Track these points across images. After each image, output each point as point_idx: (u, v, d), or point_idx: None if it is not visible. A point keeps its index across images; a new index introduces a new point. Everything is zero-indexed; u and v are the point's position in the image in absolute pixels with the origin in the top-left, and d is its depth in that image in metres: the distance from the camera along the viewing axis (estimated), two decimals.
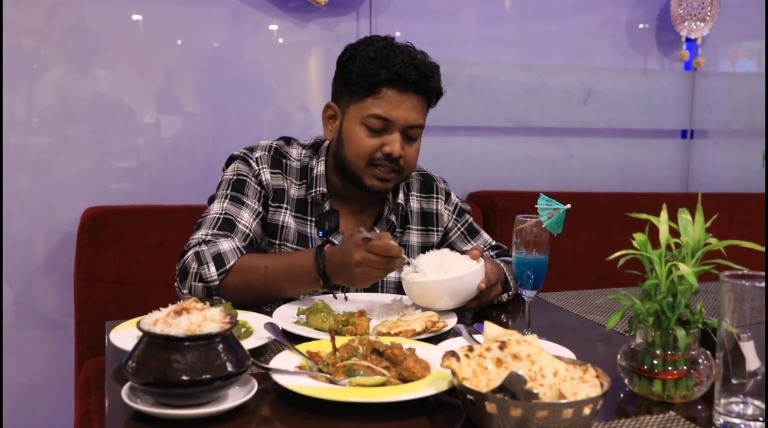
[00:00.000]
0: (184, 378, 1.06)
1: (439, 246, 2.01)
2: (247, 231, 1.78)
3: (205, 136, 2.77)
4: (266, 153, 1.87)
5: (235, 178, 1.85)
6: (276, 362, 1.25)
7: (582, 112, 3.29)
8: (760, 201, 3.34)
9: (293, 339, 1.38)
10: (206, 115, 2.78)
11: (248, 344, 1.34)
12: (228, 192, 1.83)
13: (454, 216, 2.03)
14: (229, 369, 1.09)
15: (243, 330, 1.42)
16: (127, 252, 2.43)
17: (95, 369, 2.26)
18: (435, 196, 2.02)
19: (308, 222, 1.87)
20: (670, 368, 1.21)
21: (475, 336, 1.43)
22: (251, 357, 1.17)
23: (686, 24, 3.33)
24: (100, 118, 2.62)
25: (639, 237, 1.26)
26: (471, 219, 2.06)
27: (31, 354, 2.62)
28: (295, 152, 1.91)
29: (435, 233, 2.00)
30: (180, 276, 1.72)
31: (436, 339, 1.46)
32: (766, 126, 3.45)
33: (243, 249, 1.70)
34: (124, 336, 1.38)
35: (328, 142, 1.90)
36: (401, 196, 1.94)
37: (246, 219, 1.79)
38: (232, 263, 1.66)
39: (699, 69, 3.41)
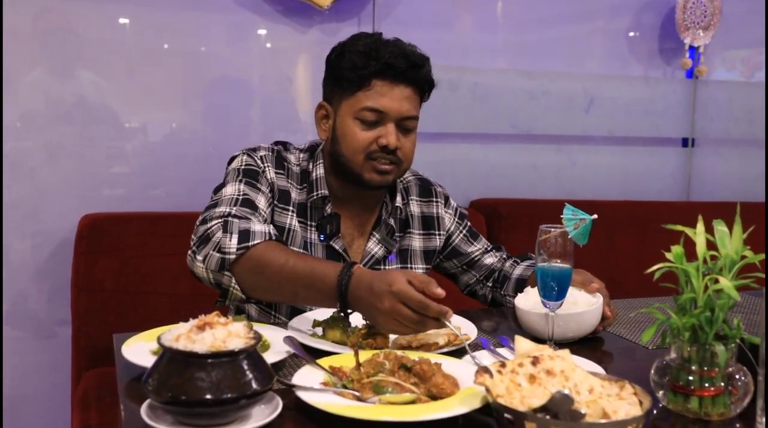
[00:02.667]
0: (209, 396, 1.01)
1: (442, 250, 1.98)
2: (265, 215, 1.72)
3: (199, 143, 2.71)
4: (270, 153, 1.83)
5: (244, 167, 1.78)
6: (299, 378, 1.20)
7: (584, 120, 3.26)
8: (762, 210, 3.32)
9: (310, 353, 1.33)
10: (198, 120, 2.72)
11: (267, 359, 1.29)
12: (241, 177, 1.74)
13: (456, 220, 2.01)
14: (255, 387, 1.04)
15: (260, 344, 1.37)
16: (126, 260, 2.37)
17: (94, 381, 2.19)
18: (434, 199, 1.99)
19: (309, 227, 1.81)
20: (706, 384, 1.17)
21: (499, 350, 1.39)
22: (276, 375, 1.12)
23: (690, 32, 3.32)
24: (87, 122, 2.56)
25: (675, 250, 1.22)
26: (470, 222, 2.05)
27: (24, 364, 2.55)
28: (293, 157, 1.86)
29: (437, 237, 1.97)
30: (198, 242, 1.58)
31: (458, 353, 1.42)
32: (767, 134, 3.44)
33: (273, 236, 1.58)
34: (137, 350, 1.33)
35: (323, 144, 1.87)
36: (399, 199, 1.90)
37: (263, 204, 1.72)
38: (256, 242, 1.54)
39: (701, 77, 3.39)
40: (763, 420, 1.09)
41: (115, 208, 2.52)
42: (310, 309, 1.75)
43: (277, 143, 1.90)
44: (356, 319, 1.54)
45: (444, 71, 2.95)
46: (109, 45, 2.57)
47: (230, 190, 1.71)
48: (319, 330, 1.50)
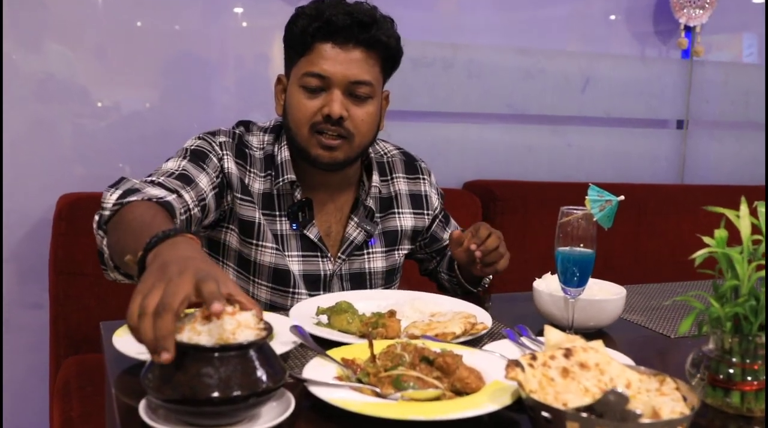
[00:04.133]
0: (216, 394, 0.90)
1: (427, 231, 1.86)
2: (204, 193, 1.52)
3: (176, 121, 2.57)
4: (230, 140, 1.66)
5: (194, 147, 1.61)
6: (310, 371, 1.10)
7: (581, 100, 3.17)
8: (757, 194, 3.26)
9: (317, 343, 1.23)
10: (174, 99, 2.59)
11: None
12: (187, 155, 1.58)
13: (439, 201, 1.88)
14: (266, 383, 0.94)
15: None
16: (96, 245, 2.24)
17: (75, 370, 2.08)
18: (421, 176, 1.86)
19: (277, 218, 1.65)
20: (749, 378, 1.09)
21: (522, 339, 1.30)
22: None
23: (685, 11, 3.24)
24: (58, 99, 2.42)
25: (719, 234, 1.13)
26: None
27: None
28: (255, 140, 1.70)
29: (425, 216, 1.84)
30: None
31: (473, 342, 1.33)
32: (767, 117, 3.39)
33: (161, 202, 1.31)
34: (129, 340, 1.21)
35: None
36: (376, 177, 1.75)
37: (205, 183, 1.54)
38: (131, 199, 1.29)
39: (698, 57, 3.32)
40: None
41: (90, 188, 2.39)
42: (309, 296, 1.65)
43: (239, 124, 1.74)
44: (363, 306, 1.45)
45: (438, 48, 2.86)
46: (80, 21, 2.42)
47: (170, 164, 1.55)
48: (324, 318, 1.40)
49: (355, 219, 1.72)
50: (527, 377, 1.01)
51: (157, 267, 0.97)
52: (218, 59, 2.64)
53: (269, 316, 1.36)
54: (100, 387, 1.87)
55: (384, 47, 1.61)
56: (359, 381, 1.09)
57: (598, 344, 1.10)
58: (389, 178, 1.80)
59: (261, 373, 0.93)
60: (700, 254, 1.11)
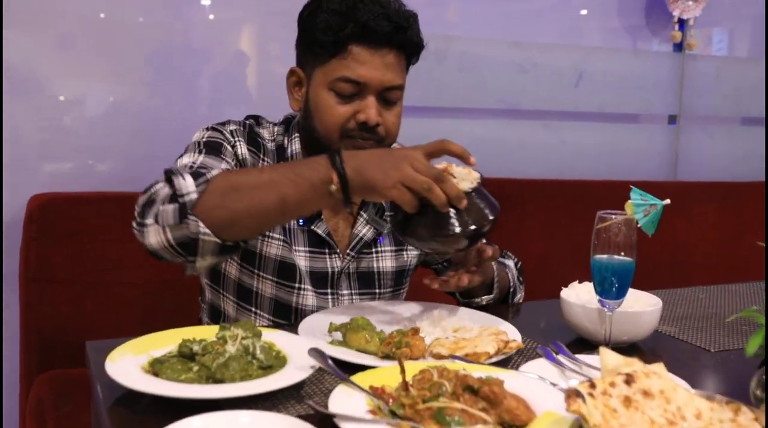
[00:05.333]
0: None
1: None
2: None
3: (145, 116, 2.41)
4: (241, 127, 1.57)
5: (206, 139, 1.52)
6: (337, 403, 0.96)
7: (574, 95, 3.07)
8: (751, 190, 3.20)
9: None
10: (142, 93, 2.42)
11: (288, 377, 1.05)
12: (202, 148, 1.48)
13: None
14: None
15: (274, 354, 1.13)
16: (83, 246, 2.08)
17: (49, 387, 1.92)
18: None
19: None
20: None
21: (558, 357, 1.18)
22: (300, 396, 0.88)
23: (679, 3, 3.15)
24: (14, 92, 2.23)
25: None
26: None
27: None
28: (266, 132, 1.62)
29: None
30: (142, 209, 1.30)
31: (505, 362, 1.21)
32: (766, 113, 3.32)
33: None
34: (125, 367, 1.07)
35: (297, 116, 1.62)
36: None
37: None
38: (213, 173, 1.28)
39: (690, 51, 3.24)
40: None
41: (62, 187, 2.22)
42: (315, 307, 1.51)
43: (249, 117, 1.65)
44: (377, 320, 1.32)
45: (431, 40, 2.70)
46: (41, 13, 2.24)
47: (186, 160, 1.45)
48: (337, 336, 1.26)
49: (365, 215, 1.62)
50: (590, 409, 0.89)
51: (380, 160, 1.26)
52: (185, 52, 2.47)
53: (277, 335, 1.22)
54: (81, 408, 1.71)
55: (415, 48, 1.53)
56: (392, 413, 0.96)
57: (659, 367, 0.98)
58: None
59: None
60: None
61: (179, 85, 2.46)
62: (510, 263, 1.71)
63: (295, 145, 1.59)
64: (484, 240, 1.43)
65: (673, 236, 2.97)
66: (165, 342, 1.17)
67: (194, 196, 1.24)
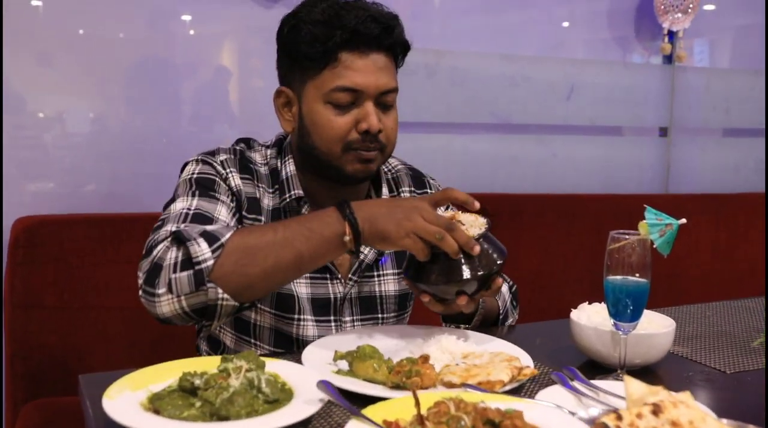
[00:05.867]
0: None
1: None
2: (228, 223, 1.41)
3: (129, 135, 2.36)
4: (231, 156, 1.51)
5: (197, 176, 1.46)
6: None
7: (565, 108, 3.05)
8: (744, 201, 3.19)
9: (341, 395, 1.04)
10: (117, 109, 2.38)
11: (296, 412, 1.00)
12: (194, 190, 1.43)
13: None
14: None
15: (279, 386, 1.07)
16: (70, 270, 2.02)
17: (37, 417, 1.85)
18: (429, 192, 1.70)
19: None
20: None
21: (574, 383, 1.14)
22: None
23: (668, 15, 3.15)
24: None
25: None
26: None
27: None
28: (259, 156, 1.56)
29: None
30: (148, 276, 1.27)
31: (517, 389, 1.16)
32: (766, 123, 3.32)
33: (236, 226, 1.34)
34: (123, 404, 1.01)
35: (288, 137, 1.56)
36: (386, 190, 1.61)
37: (224, 215, 1.41)
38: (227, 236, 1.25)
39: (680, 63, 3.23)
40: None
41: (48, 209, 2.16)
42: (316, 337, 1.46)
43: (239, 141, 1.60)
44: (382, 346, 1.27)
45: (421, 55, 2.69)
46: (19, 30, 2.18)
47: (180, 206, 1.40)
48: (343, 365, 1.21)
49: None
50: None
51: (389, 211, 1.29)
52: (167, 68, 2.43)
53: (280, 364, 1.17)
54: None
55: (403, 48, 1.50)
56: None
57: (686, 396, 0.94)
58: (396, 193, 1.66)
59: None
60: None
61: (162, 101, 2.41)
62: (504, 288, 1.67)
63: (289, 168, 1.53)
64: None
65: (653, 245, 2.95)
66: (164, 375, 1.11)
67: (210, 262, 1.23)
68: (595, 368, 1.32)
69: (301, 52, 1.43)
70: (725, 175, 3.45)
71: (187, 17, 2.45)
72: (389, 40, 1.44)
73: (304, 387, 1.08)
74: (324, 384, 1.04)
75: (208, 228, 1.28)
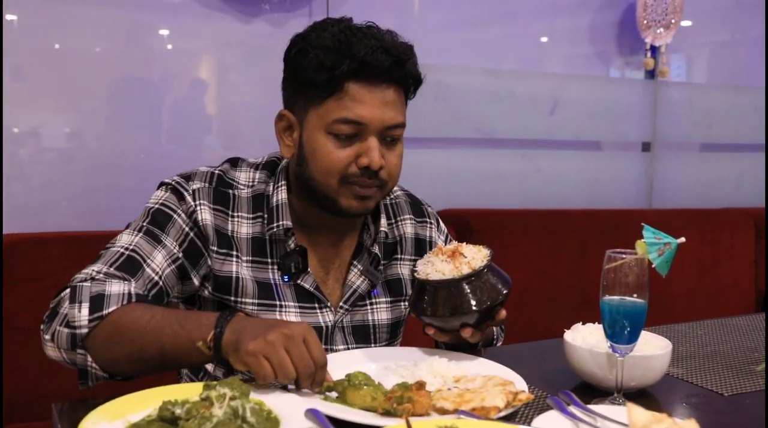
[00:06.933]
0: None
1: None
2: (156, 277, 1.35)
3: (106, 150, 2.32)
4: (206, 184, 1.44)
5: (157, 207, 1.41)
6: None
7: (549, 123, 3.04)
8: (727, 216, 3.19)
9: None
10: (93, 124, 2.33)
11: None
12: (144, 224, 1.39)
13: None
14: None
15: (265, 415, 1.02)
16: (45, 291, 1.94)
17: None
18: (428, 221, 1.66)
19: (269, 267, 1.44)
20: None
21: (570, 408, 1.10)
22: None
23: (651, 30, 3.15)
24: None
25: None
26: None
27: None
28: (243, 176, 1.48)
29: None
30: (48, 316, 1.29)
31: (512, 415, 1.12)
32: (766, 138, 3.32)
33: (133, 297, 1.28)
34: None
35: (284, 161, 1.50)
36: (383, 221, 1.55)
37: (159, 262, 1.36)
38: (110, 309, 1.24)
39: (663, 78, 3.23)
40: None
41: (16, 227, 2.09)
42: None
43: (226, 162, 1.52)
44: (371, 370, 1.22)
45: None
46: None
47: (124, 241, 1.38)
48: (330, 393, 1.16)
49: (359, 266, 1.51)
50: None
51: (263, 333, 1.13)
52: (144, 82, 2.39)
53: (264, 393, 1.12)
54: None
55: (415, 82, 1.44)
56: None
57: (691, 424, 0.91)
58: (394, 221, 1.60)
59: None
60: None
61: (139, 116, 2.37)
62: None
63: (280, 195, 1.45)
64: None
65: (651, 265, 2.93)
66: (143, 403, 1.06)
67: (84, 330, 1.23)
68: (590, 391, 1.28)
69: (307, 77, 1.37)
70: (707, 190, 3.46)
71: (164, 32, 2.41)
72: (400, 73, 1.38)
73: (290, 416, 1.03)
74: (312, 413, 0.99)
75: (105, 290, 1.26)
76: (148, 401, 1.07)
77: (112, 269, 1.32)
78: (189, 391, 1.08)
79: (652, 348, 1.30)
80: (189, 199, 1.41)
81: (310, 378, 1.13)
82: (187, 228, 1.39)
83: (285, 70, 1.45)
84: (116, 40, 2.32)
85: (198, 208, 1.40)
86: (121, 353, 1.24)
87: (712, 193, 3.45)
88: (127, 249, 1.35)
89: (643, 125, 3.28)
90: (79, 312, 1.23)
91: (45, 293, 1.92)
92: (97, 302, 1.24)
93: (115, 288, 1.27)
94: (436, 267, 1.35)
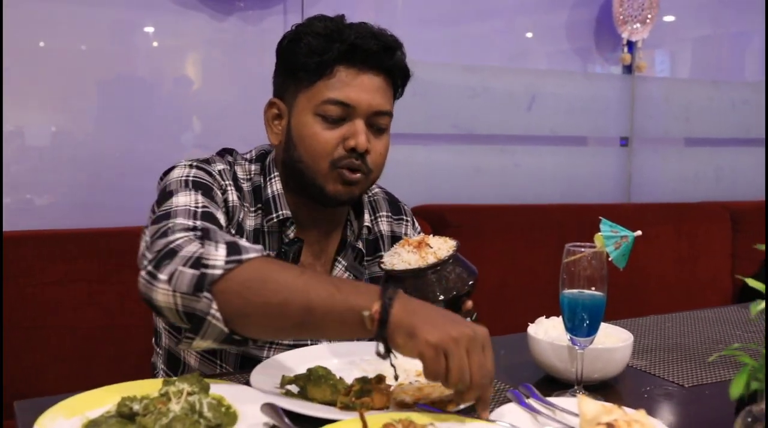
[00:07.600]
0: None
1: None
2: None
3: (91, 149, 2.31)
4: (227, 167, 1.44)
5: (193, 178, 1.35)
6: None
7: (527, 118, 3.05)
8: (704, 210, 3.21)
9: (290, 419, 1.00)
10: (89, 124, 2.33)
11: None
12: (192, 187, 1.32)
13: None
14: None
15: (223, 410, 1.03)
16: (19, 289, 1.95)
17: None
18: (404, 218, 1.68)
19: None
20: None
21: (529, 401, 1.11)
22: None
23: (627, 26, 3.16)
24: None
25: None
26: None
27: None
28: (241, 171, 1.48)
29: None
30: (161, 257, 1.13)
31: (470, 409, 1.13)
32: (766, 133, 3.34)
33: (268, 254, 1.21)
34: None
35: (273, 152, 1.51)
36: (367, 216, 1.56)
37: (224, 224, 1.32)
38: (251, 255, 1.12)
39: (640, 73, 3.24)
40: None
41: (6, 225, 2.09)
42: (267, 355, 1.41)
43: (224, 152, 1.52)
44: (340, 369, 1.23)
45: None
46: None
47: (184, 200, 1.27)
48: (292, 387, 1.17)
49: (343, 261, 1.53)
50: None
51: (445, 325, 1.03)
52: (129, 80, 2.38)
53: (225, 387, 1.12)
54: None
55: (403, 74, 1.47)
56: None
57: (641, 415, 0.92)
58: (373, 217, 1.62)
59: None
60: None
61: (122, 114, 2.36)
62: None
63: (275, 186, 1.46)
64: None
65: (629, 260, 2.95)
66: (102, 400, 1.06)
67: (219, 271, 1.09)
68: (553, 384, 1.29)
69: (298, 62, 1.40)
70: (686, 184, 3.47)
71: (149, 29, 2.40)
72: (388, 61, 1.42)
73: (249, 411, 1.04)
74: (269, 407, 1.00)
75: (240, 241, 1.16)
76: (107, 397, 1.07)
77: (199, 222, 1.22)
78: (149, 387, 1.08)
79: (614, 341, 1.31)
80: (217, 177, 1.41)
81: (479, 392, 1.02)
82: (223, 203, 1.39)
83: (277, 59, 1.48)
84: (100, 37, 2.32)
85: (228, 187, 1.42)
86: (259, 302, 1.09)
87: (690, 188, 3.47)
88: (198, 205, 1.27)
89: (621, 120, 3.29)
90: (216, 250, 1.11)
91: (20, 291, 1.94)
92: (233, 247, 1.13)
93: (246, 242, 1.17)
94: (402, 257, 1.34)
